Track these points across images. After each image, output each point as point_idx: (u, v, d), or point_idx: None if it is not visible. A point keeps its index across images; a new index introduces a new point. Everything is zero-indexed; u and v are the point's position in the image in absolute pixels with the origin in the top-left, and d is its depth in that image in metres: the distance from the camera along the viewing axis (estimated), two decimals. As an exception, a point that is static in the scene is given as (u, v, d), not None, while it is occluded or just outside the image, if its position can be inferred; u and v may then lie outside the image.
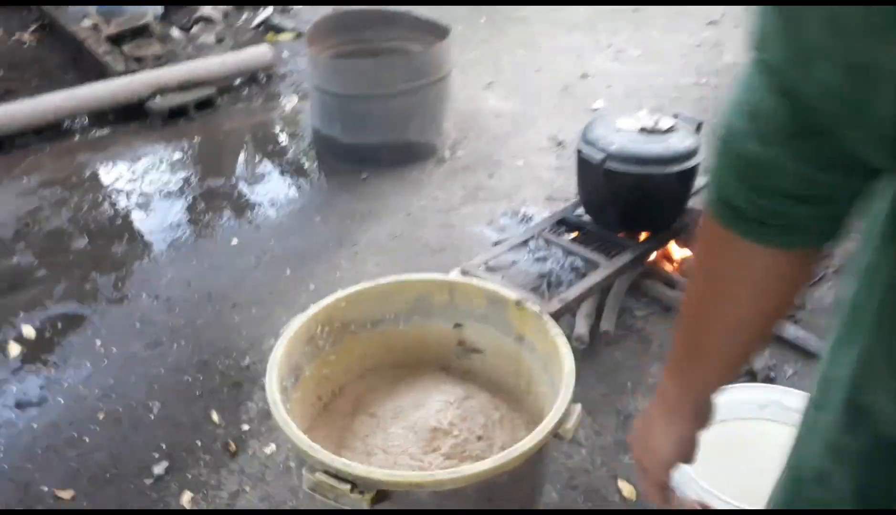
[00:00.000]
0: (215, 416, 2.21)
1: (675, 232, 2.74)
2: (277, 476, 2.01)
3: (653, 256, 2.70)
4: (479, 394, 1.65)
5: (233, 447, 2.09)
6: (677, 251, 2.78)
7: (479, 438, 1.52)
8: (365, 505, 1.20)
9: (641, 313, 2.62)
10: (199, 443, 2.11)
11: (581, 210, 2.82)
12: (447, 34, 3.61)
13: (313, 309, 1.58)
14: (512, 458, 1.21)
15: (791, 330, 2.45)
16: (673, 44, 5.05)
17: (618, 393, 2.32)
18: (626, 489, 1.96)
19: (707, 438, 1.31)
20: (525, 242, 2.86)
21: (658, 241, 2.67)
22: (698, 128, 2.70)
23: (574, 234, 2.76)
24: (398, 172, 3.58)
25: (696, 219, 2.82)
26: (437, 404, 1.54)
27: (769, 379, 2.30)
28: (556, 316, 2.34)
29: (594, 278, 2.44)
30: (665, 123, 2.58)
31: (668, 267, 2.74)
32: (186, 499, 1.95)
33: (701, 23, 5.40)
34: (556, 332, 1.51)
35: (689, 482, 1.26)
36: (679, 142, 2.52)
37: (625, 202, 2.58)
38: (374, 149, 3.60)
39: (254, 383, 2.33)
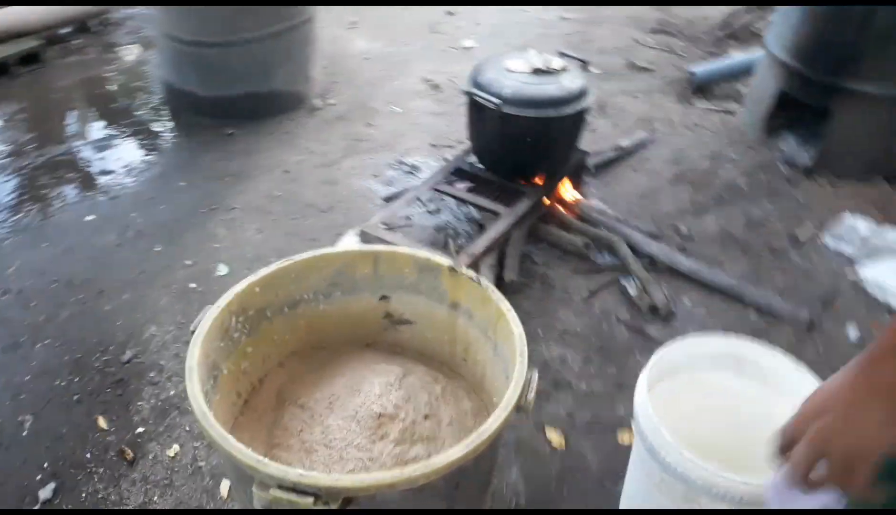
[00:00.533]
0: (102, 421, 1.95)
1: (568, 174, 2.72)
2: (187, 478, 1.81)
3: (547, 200, 2.67)
4: (416, 368, 1.53)
5: (129, 454, 1.86)
6: (570, 193, 2.76)
7: (426, 417, 1.41)
8: (329, 517, 1.07)
9: (541, 259, 2.60)
10: (89, 455, 1.85)
11: (473, 157, 2.73)
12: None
13: (224, 298, 1.38)
14: (483, 441, 1.12)
15: (685, 263, 2.52)
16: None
17: (531, 342, 2.28)
18: (555, 439, 1.94)
19: (664, 393, 1.36)
20: (418, 196, 2.75)
21: (553, 185, 2.63)
22: (585, 66, 2.66)
23: (468, 184, 2.67)
24: (267, 125, 3.31)
25: (583, 160, 2.82)
26: (376, 387, 1.41)
27: (671, 313, 2.36)
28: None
29: (498, 228, 2.36)
30: (556, 64, 2.52)
31: (562, 209, 2.73)
32: (83, 522, 1.71)
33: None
34: (497, 297, 1.41)
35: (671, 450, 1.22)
36: (570, 82, 2.47)
37: (521, 146, 2.51)
38: (237, 101, 3.29)
39: (140, 378, 2.08)
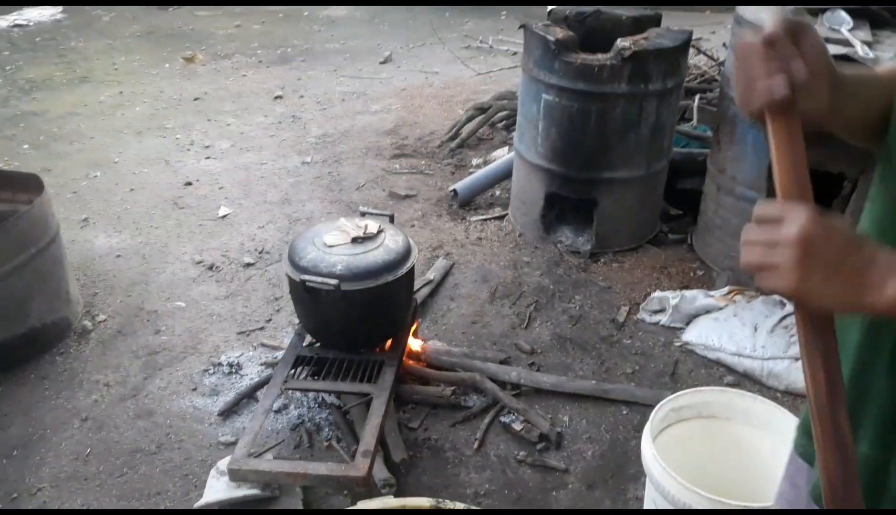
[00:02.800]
0: None
1: (409, 327, 2.67)
2: None
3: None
4: None
5: None
6: (415, 344, 2.71)
7: None
8: None
9: (416, 422, 2.49)
10: None
11: (307, 339, 2.56)
12: (39, 182, 2.89)
13: None
14: None
15: (546, 380, 2.60)
16: (254, 127, 4.93)
17: None
18: None
19: (676, 437, 1.89)
20: (253, 394, 2.51)
21: (402, 344, 2.56)
22: (391, 219, 2.66)
23: (311, 370, 2.48)
24: (37, 369, 2.76)
25: (416, 306, 2.80)
26: None
27: (560, 435, 2.40)
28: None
29: (378, 409, 2.22)
30: (372, 227, 2.48)
31: (414, 364, 2.66)
32: None
33: (268, 100, 5.39)
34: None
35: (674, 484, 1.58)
36: (393, 241, 2.45)
37: (365, 318, 2.41)
38: (-12, 354, 2.71)
39: None
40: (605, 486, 2.24)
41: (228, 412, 2.54)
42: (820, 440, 0.81)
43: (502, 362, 2.71)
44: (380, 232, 2.47)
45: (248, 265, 3.39)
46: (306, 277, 2.29)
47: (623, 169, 3.21)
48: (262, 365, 2.75)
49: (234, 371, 2.74)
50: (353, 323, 2.42)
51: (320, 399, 2.55)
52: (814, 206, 0.78)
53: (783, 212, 0.78)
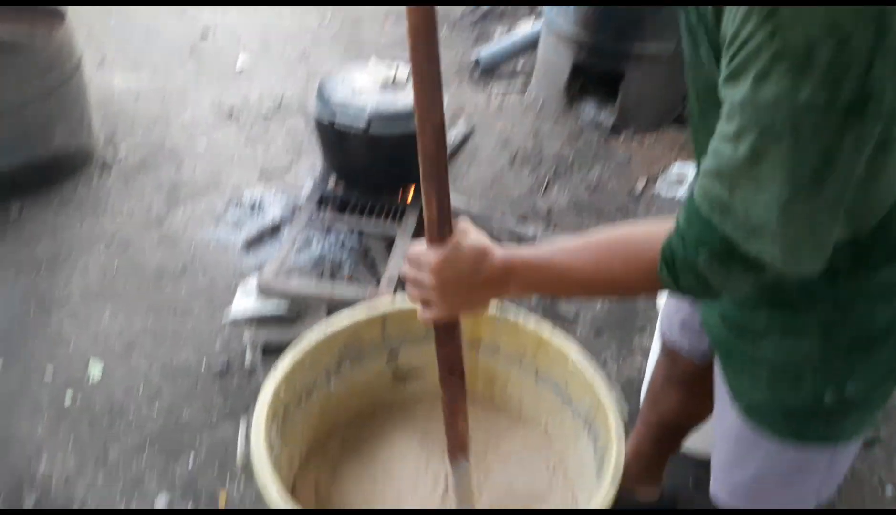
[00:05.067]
0: None
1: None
2: None
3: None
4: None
5: None
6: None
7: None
8: None
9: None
10: None
11: (331, 182, 2.59)
12: (61, 14, 2.83)
13: (260, 413, 1.17)
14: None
15: (561, 238, 2.66)
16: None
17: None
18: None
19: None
20: (276, 230, 2.58)
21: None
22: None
23: (335, 211, 2.53)
24: (61, 195, 2.80)
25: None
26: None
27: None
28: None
29: (401, 248, 2.29)
30: (402, 73, 2.47)
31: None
32: None
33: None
34: (533, 324, 1.38)
35: None
36: (423, 87, 2.45)
37: (390, 163, 2.44)
38: (15, 175, 2.73)
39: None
40: (611, 333, 2.33)
41: (252, 244, 2.60)
42: None
43: (520, 219, 2.76)
44: (409, 78, 2.46)
45: (267, 117, 3.38)
46: (329, 116, 2.31)
47: (654, 43, 3.17)
48: (284, 205, 2.79)
49: (256, 208, 2.79)
50: (378, 167, 2.45)
51: (341, 241, 2.61)
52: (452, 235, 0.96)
53: (422, 256, 0.97)
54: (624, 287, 0.92)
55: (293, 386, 1.30)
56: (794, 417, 1.01)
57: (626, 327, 2.37)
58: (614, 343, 2.30)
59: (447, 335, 1.08)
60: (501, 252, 0.96)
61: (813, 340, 0.95)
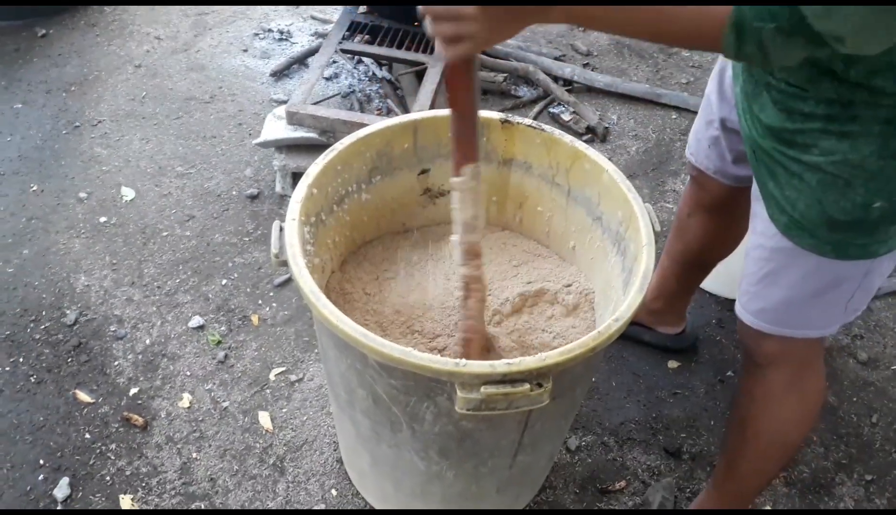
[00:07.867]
0: (83, 395, 1.64)
1: (466, 9, 2.58)
2: (218, 423, 1.61)
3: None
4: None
5: (137, 419, 1.60)
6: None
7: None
8: (546, 399, 1.01)
9: (464, 103, 2.50)
10: (89, 436, 1.57)
11: (361, 8, 2.49)
12: None
13: (293, 212, 1.17)
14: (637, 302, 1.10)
15: (600, 79, 2.57)
16: None
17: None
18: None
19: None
20: (304, 60, 2.49)
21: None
22: None
23: (365, 39, 2.44)
24: (85, 16, 2.74)
25: None
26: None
27: (606, 130, 2.42)
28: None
29: (433, 78, 2.22)
30: None
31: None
32: (127, 503, 1.47)
33: None
34: (569, 139, 1.34)
35: None
36: None
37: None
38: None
39: (100, 336, 1.76)
40: (644, 177, 2.29)
41: (280, 73, 2.54)
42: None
43: (557, 59, 2.65)
44: None
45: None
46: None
47: None
48: (312, 35, 2.70)
49: (284, 37, 2.71)
50: (412, -9, 2.34)
51: (371, 72, 2.54)
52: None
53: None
54: (680, 31, 0.87)
55: (325, 191, 1.29)
56: (837, 230, 0.99)
57: (661, 169, 2.32)
58: (646, 187, 2.26)
59: (467, 72, 1.02)
60: None
61: (871, 143, 0.91)
